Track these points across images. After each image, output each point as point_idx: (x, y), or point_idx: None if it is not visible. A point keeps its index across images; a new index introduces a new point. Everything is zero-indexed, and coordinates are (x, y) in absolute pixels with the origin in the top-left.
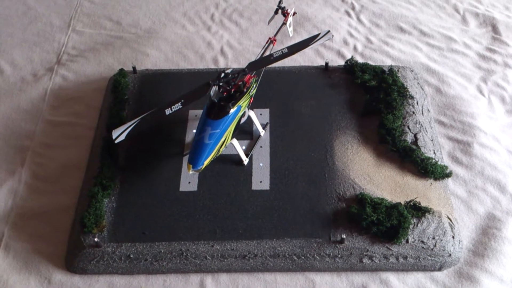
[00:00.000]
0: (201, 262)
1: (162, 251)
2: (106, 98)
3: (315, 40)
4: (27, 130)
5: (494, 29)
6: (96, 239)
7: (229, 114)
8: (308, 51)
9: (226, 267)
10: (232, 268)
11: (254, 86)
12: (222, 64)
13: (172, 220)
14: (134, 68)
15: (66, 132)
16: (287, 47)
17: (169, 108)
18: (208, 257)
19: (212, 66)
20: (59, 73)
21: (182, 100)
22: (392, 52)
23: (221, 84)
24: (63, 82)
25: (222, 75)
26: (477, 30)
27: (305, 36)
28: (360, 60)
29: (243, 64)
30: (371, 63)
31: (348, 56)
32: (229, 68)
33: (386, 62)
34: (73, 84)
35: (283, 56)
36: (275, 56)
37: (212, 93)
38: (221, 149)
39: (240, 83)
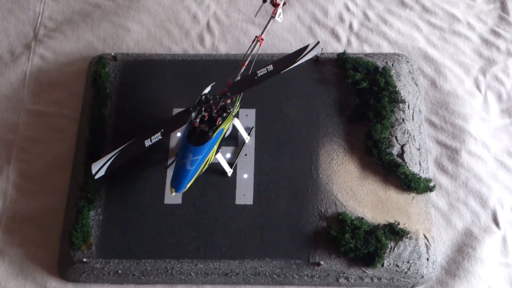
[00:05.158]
0: (186, 278)
1: (148, 268)
2: (87, 88)
3: (303, 54)
4: (10, 122)
5: (503, 6)
6: (84, 259)
7: (211, 140)
8: (300, 29)
9: (210, 282)
10: (215, 283)
11: (237, 104)
12: (208, 43)
13: (157, 235)
14: (114, 56)
15: (49, 124)
16: (272, 64)
17: (149, 139)
18: (192, 273)
19: (198, 45)
20: (37, 52)
21: (162, 130)
22: (390, 33)
23: (203, 108)
24: (42, 63)
25: (203, 98)
26: (484, 6)
27: (298, 10)
28: (355, 43)
29: (230, 43)
30: (366, 47)
31: (343, 37)
32: (208, 86)
33: (382, 45)
34: (53, 66)
35: (268, 75)
36: (259, 75)
37: (194, 115)
38: (204, 168)
39: (223, 103)
